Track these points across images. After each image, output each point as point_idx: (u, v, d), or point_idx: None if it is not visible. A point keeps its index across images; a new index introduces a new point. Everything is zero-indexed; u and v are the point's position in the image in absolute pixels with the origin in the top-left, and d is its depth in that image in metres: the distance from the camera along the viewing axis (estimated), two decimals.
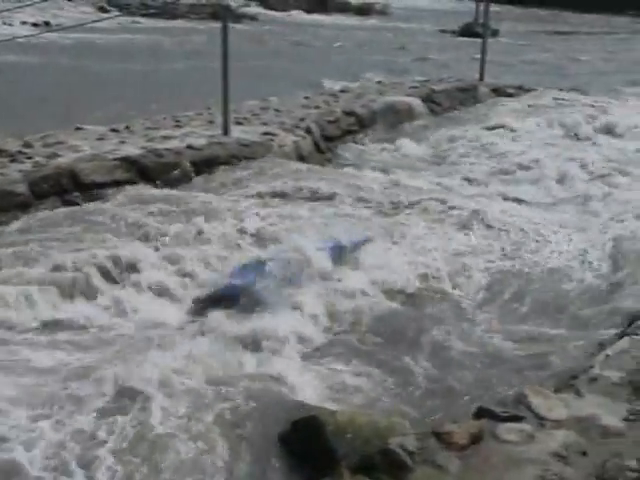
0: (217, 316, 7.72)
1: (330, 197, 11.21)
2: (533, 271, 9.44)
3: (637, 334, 5.95)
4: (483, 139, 15.68)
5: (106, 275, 8.32)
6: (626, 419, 4.75)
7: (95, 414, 5.87)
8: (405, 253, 9.45)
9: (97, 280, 8.20)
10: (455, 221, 10.60)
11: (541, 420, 5.10)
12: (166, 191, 11.17)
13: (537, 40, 41.90)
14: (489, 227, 10.63)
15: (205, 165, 12.16)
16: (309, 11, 52.51)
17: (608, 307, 8.40)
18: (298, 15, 51.21)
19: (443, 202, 11.21)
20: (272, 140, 13.28)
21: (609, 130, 16.95)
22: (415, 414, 6.25)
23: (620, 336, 6.48)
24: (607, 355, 5.95)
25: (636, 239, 10.27)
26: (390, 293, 8.58)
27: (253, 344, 7.23)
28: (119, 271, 8.41)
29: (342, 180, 12.05)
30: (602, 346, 6.50)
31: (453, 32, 42.56)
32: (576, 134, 16.61)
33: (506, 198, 12.21)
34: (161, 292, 8.23)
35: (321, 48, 33.70)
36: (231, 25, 13.80)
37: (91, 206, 10.47)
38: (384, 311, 8.21)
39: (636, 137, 16.38)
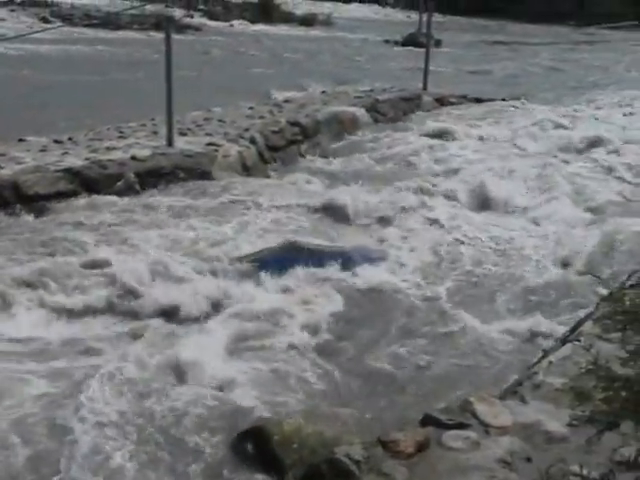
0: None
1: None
2: (478, 277, 9.57)
3: (579, 340, 6.01)
4: (427, 148, 15.77)
5: None
6: (569, 425, 4.77)
7: None
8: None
9: None
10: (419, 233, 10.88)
11: (486, 427, 5.13)
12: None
13: (480, 50, 42.30)
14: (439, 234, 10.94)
15: (149, 176, 12.10)
16: (253, 21, 52.43)
17: (552, 314, 8.51)
18: (243, 26, 51.07)
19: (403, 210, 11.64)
20: (216, 151, 13.24)
21: (554, 137, 17.18)
22: (362, 421, 6.27)
23: (562, 342, 6.55)
24: (550, 362, 6.00)
25: (579, 244, 10.48)
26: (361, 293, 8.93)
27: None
28: None
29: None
30: (545, 353, 6.57)
31: (397, 42, 42.73)
32: (519, 144, 16.78)
33: (458, 207, 12.38)
34: None
35: (266, 59, 33.66)
36: (175, 36, 13.77)
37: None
38: (350, 310, 8.50)
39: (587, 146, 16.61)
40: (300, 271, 9.10)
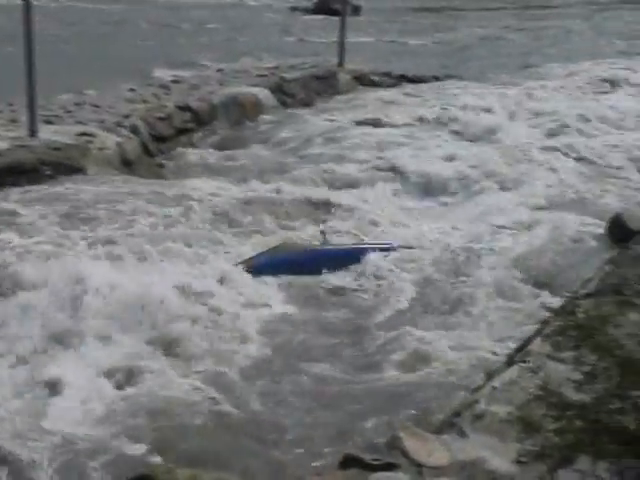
0: None
1: None
2: (414, 288, 9.69)
3: (526, 361, 6.07)
4: (346, 137, 15.80)
5: None
6: (517, 461, 4.83)
7: None
8: None
9: None
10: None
11: (419, 467, 5.14)
12: None
13: (407, 18, 42.63)
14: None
15: (7, 174, 11.85)
16: None
17: (496, 330, 8.60)
18: None
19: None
20: (90, 142, 13.09)
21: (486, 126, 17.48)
22: (272, 464, 6.26)
23: (508, 364, 6.60)
24: (494, 387, 6.05)
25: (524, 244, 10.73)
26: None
27: None
28: None
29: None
30: (488, 376, 6.59)
31: (306, 9, 42.85)
32: (456, 130, 17.00)
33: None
34: None
35: (149, 30, 33.46)
36: (36, 1, 13.51)
37: None
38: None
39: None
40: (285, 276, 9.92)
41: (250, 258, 10.06)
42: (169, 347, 7.98)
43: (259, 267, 9.85)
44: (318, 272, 10.07)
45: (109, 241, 9.87)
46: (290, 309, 9.22)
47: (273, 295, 9.49)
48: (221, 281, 9.37)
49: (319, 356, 8.14)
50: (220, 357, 7.87)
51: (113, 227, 10.40)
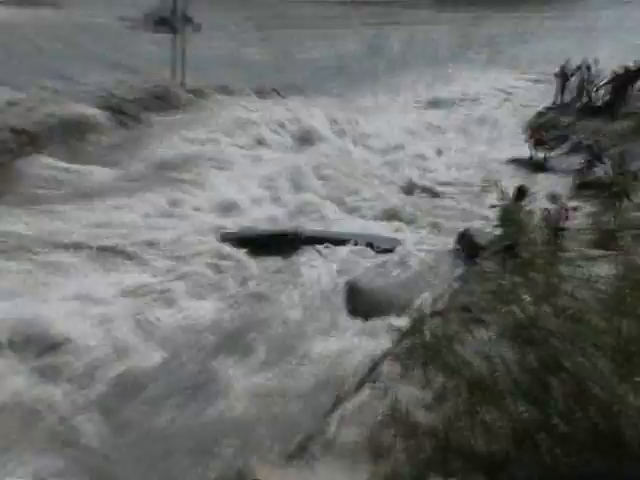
0: None
1: None
2: (264, 319, 9.76)
3: (376, 383, 6.13)
4: (183, 158, 15.86)
5: None
6: None
7: None
8: None
9: None
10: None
11: None
12: None
13: (246, 32, 42.68)
14: None
15: None
16: None
17: (348, 352, 8.71)
18: None
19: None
20: None
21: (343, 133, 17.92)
22: None
23: (358, 386, 6.65)
24: (345, 411, 6.09)
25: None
26: None
27: None
28: None
29: None
30: (339, 399, 6.64)
31: (145, 25, 42.66)
32: (308, 140, 17.39)
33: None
34: None
35: None
36: None
37: None
38: None
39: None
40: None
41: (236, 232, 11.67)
42: None
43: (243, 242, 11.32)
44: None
45: None
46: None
47: None
48: None
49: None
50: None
51: None
